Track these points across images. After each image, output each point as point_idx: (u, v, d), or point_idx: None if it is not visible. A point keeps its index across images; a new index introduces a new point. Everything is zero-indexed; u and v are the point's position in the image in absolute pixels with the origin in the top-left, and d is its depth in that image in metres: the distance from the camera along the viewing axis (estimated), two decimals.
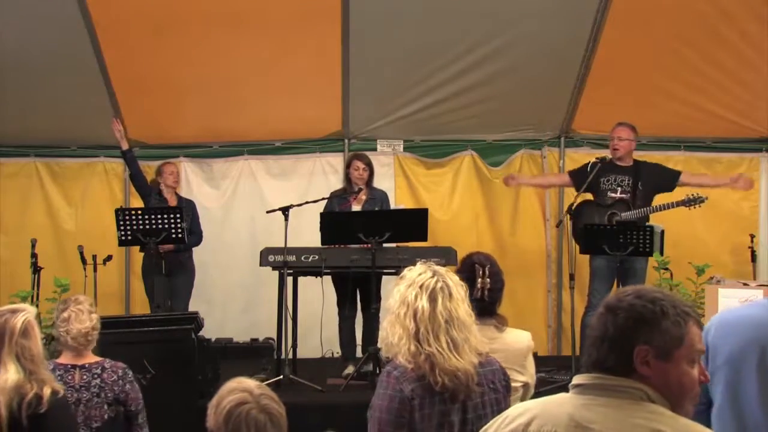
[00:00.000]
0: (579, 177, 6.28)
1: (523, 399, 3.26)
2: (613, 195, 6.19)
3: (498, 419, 1.86)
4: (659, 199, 6.34)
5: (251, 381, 2.21)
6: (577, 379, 1.79)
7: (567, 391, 1.82)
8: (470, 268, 3.12)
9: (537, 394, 5.24)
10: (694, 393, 1.76)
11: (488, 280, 3.08)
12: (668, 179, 6.28)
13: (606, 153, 6.36)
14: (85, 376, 3.51)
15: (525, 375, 3.20)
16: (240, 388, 2.15)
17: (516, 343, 3.18)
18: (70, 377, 3.50)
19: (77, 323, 3.52)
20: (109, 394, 3.52)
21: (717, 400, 2.41)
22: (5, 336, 2.78)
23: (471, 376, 2.49)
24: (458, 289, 2.59)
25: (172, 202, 6.59)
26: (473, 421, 2.52)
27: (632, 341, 1.71)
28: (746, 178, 6.35)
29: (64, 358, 3.58)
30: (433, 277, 2.57)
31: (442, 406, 2.50)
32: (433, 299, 2.52)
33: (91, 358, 3.58)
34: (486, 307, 3.10)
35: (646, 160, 6.47)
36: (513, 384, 3.09)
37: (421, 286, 2.54)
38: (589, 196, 6.29)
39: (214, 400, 2.17)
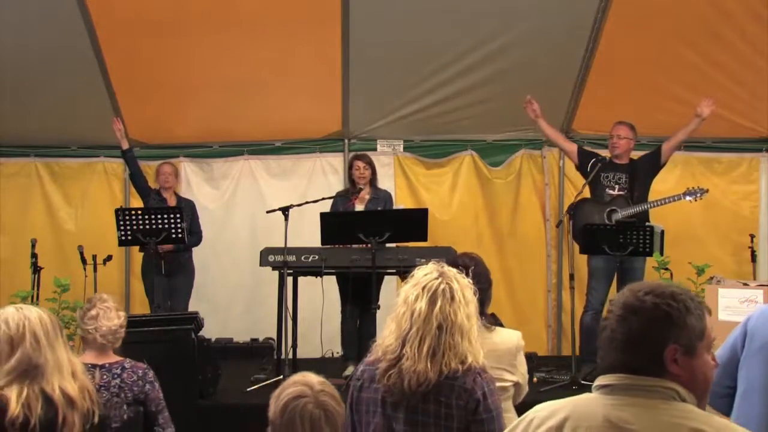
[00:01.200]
0: (585, 156, 6.34)
1: (515, 398, 3.27)
2: (611, 192, 6.21)
3: (521, 422, 1.83)
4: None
5: (315, 376, 2.27)
6: (603, 380, 1.77)
7: (572, 390, 1.81)
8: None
9: (537, 394, 5.26)
10: (711, 382, 1.77)
11: (473, 281, 3.07)
12: (654, 157, 6.33)
13: (606, 153, 6.37)
14: (105, 376, 3.49)
15: (515, 374, 3.21)
16: (302, 382, 2.22)
17: (504, 343, 3.19)
18: (90, 377, 3.50)
19: (106, 320, 3.53)
20: (128, 395, 3.51)
21: (745, 383, 2.42)
22: (57, 329, 2.74)
23: (426, 383, 2.47)
24: (464, 292, 2.56)
25: (171, 202, 6.58)
26: (413, 423, 2.51)
27: (662, 342, 1.70)
28: (707, 102, 6.18)
29: (87, 357, 3.57)
30: (437, 278, 2.56)
31: (378, 395, 2.55)
32: (432, 302, 2.51)
33: (112, 358, 3.58)
34: None
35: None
36: (503, 384, 3.11)
37: (423, 288, 2.54)
38: (586, 193, 6.31)
39: (276, 391, 2.23)
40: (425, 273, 2.59)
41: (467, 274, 3.05)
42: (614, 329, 1.75)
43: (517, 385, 3.22)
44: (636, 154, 6.45)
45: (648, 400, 1.69)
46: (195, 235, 6.62)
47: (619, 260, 5.81)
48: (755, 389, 2.39)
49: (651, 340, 1.71)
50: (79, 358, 3.55)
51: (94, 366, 3.51)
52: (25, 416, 2.52)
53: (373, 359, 2.59)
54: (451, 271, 2.61)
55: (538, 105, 6.41)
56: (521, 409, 3.28)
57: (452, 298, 2.53)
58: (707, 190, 6.20)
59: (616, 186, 6.21)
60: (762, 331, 2.41)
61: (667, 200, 6.21)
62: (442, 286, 2.54)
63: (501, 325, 3.41)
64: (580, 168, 6.42)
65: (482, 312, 3.16)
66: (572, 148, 6.54)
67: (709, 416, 1.69)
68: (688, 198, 6.16)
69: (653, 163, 6.33)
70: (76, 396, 2.64)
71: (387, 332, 2.58)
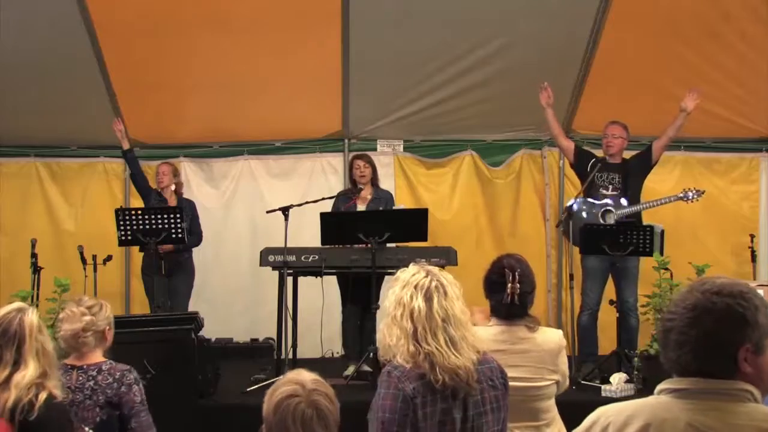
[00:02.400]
0: (583, 156, 6.34)
1: (555, 394, 3.26)
2: (605, 192, 6.21)
3: (592, 428, 1.80)
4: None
5: (309, 374, 2.26)
6: (675, 384, 1.74)
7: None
8: (500, 272, 3.11)
9: None
10: None
11: (518, 285, 3.06)
12: (645, 156, 6.31)
13: (600, 153, 6.37)
14: (80, 378, 3.47)
15: (557, 374, 3.19)
16: (294, 380, 2.21)
17: (547, 342, 3.17)
18: (68, 378, 3.48)
19: (67, 324, 3.50)
20: (101, 397, 3.48)
21: None
22: (25, 333, 2.75)
23: (471, 373, 2.49)
24: (453, 287, 2.58)
25: (172, 202, 6.58)
26: (474, 417, 2.53)
27: (736, 343, 1.69)
28: (691, 96, 6.16)
29: (70, 359, 3.57)
30: (426, 276, 2.57)
31: (444, 404, 2.50)
32: (428, 298, 2.52)
33: (91, 360, 3.55)
34: (516, 310, 3.11)
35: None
36: (543, 383, 3.11)
37: (415, 286, 2.55)
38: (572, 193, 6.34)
39: (271, 388, 2.23)
40: (413, 273, 2.59)
41: (513, 277, 3.06)
42: (685, 331, 1.71)
43: (557, 383, 3.22)
44: (627, 154, 6.45)
45: (727, 404, 1.68)
46: (195, 236, 6.61)
47: (612, 260, 5.84)
48: None
49: (727, 341, 1.69)
50: (67, 360, 3.55)
51: (72, 367, 3.50)
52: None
53: (409, 370, 2.50)
54: (435, 269, 2.62)
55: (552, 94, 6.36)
56: None
57: (446, 293, 2.55)
58: (703, 192, 6.19)
59: (610, 186, 6.21)
60: None
61: (663, 201, 6.21)
62: (434, 283, 2.55)
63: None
64: (576, 166, 6.41)
65: (524, 314, 3.16)
66: (570, 145, 6.52)
67: None
68: (686, 197, 6.16)
69: (645, 162, 6.32)
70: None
71: (395, 339, 2.54)
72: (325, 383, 2.26)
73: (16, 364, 2.74)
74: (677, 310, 1.75)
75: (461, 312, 2.55)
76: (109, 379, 3.50)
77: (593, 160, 6.21)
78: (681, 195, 6.15)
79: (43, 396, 2.74)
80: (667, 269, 6.14)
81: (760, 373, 1.71)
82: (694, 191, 6.15)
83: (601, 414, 1.82)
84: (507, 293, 3.05)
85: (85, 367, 3.52)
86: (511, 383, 2.69)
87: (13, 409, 2.67)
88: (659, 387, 1.78)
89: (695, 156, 7.42)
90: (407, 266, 2.66)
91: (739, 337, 1.69)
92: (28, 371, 2.73)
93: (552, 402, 3.18)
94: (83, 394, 3.45)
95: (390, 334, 2.56)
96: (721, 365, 1.70)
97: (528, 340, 3.11)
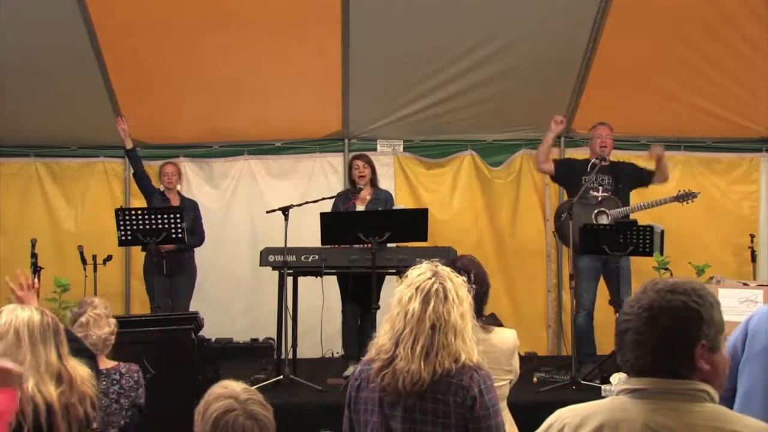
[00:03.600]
0: (561, 165, 6.41)
1: (507, 394, 3.28)
2: (595, 194, 6.21)
3: (551, 427, 1.80)
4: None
5: (237, 385, 2.20)
6: (634, 384, 1.74)
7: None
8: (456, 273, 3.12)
9: (537, 395, 5.26)
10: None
11: (474, 285, 3.05)
12: (645, 176, 6.37)
13: (585, 154, 6.40)
14: (104, 383, 3.46)
15: (510, 373, 3.25)
16: (226, 394, 2.15)
17: (502, 343, 3.22)
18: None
19: (96, 329, 3.49)
20: (126, 401, 3.50)
21: (746, 386, 2.41)
22: (59, 330, 2.72)
23: (421, 382, 2.47)
24: (457, 291, 2.57)
25: (175, 202, 6.58)
26: (411, 420, 2.51)
27: (693, 339, 1.69)
28: (656, 147, 6.27)
29: None
30: (431, 278, 2.56)
31: (375, 395, 2.55)
32: (426, 302, 2.52)
33: (107, 363, 3.54)
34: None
35: (644, 160, 6.50)
36: (499, 383, 3.10)
37: (417, 288, 2.55)
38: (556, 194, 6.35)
39: (200, 407, 2.15)
40: (419, 273, 2.59)
41: (468, 279, 3.06)
42: (642, 331, 1.71)
43: (510, 381, 3.25)
44: (640, 155, 6.45)
45: (684, 404, 1.68)
46: (197, 236, 6.61)
47: (605, 261, 5.84)
48: (757, 392, 2.38)
49: (684, 338, 1.69)
50: None
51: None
52: (18, 423, 2.49)
53: (369, 359, 2.61)
54: (445, 270, 2.61)
55: (560, 122, 6.40)
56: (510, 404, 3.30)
57: (445, 297, 2.54)
58: (698, 194, 6.19)
59: (600, 188, 6.22)
60: (764, 333, 2.40)
61: (658, 203, 6.22)
62: (435, 286, 2.54)
63: (500, 325, 3.41)
64: (557, 176, 6.45)
65: (480, 314, 3.17)
66: (551, 167, 6.47)
67: (742, 417, 1.70)
68: (679, 201, 6.17)
69: (639, 179, 6.37)
70: (54, 400, 2.57)
71: (381, 332, 2.59)
72: (254, 390, 2.22)
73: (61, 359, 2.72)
74: (633, 311, 1.74)
75: (459, 317, 2.53)
76: (131, 381, 3.52)
77: (592, 161, 6.18)
78: (675, 196, 6.17)
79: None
80: (667, 269, 6.14)
81: (715, 371, 1.71)
82: (689, 193, 6.16)
83: (558, 416, 1.81)
84: None
85: (105, 371, 3.50)
86: None
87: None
88: (618, 388, 1.78)
89: (695, 156, 7.42)
90: (412, 266, 2.67)
91: (696, 333, 1.69)
92: (81, 367, 2.74)
93: (504, 403, 3.18)
94: (109, 398, 3.44)
95: (382, 327, 2.61)
96: (679, 363, 1.69)
97: (484, 341, 3.09)
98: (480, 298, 3.14)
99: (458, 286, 2.58)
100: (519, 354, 3.44)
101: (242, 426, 2.09)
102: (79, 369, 2.72)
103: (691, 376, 1.69)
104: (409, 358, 2.47)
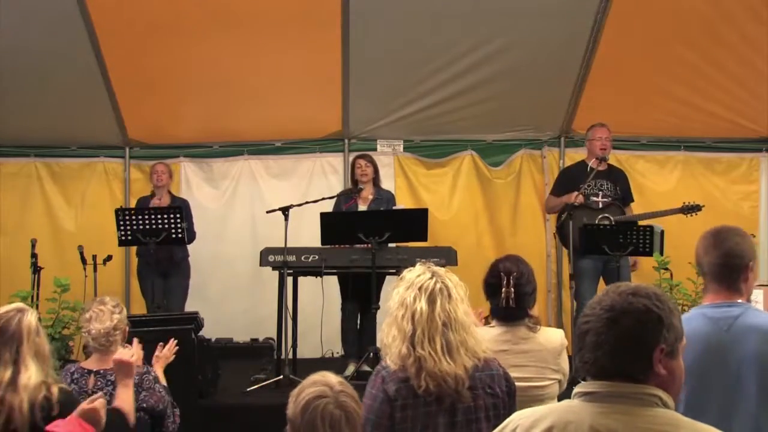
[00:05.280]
0: (560, 186, 6.41)
1: (557, 394, 3.27)
2: (595, 198, 6.21)
3: (505, 428, 1.81)
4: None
5: (335, 376, 2.27)
6: (586, 387, 1.74)
7: (572, 390, 1.79)
8: (497, 276, 3.11)
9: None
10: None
11: (512, 289, 3.06)
12: (626, 196, 6.42)
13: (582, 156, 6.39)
14: (99, 382, 3.44)
15: (558, 373, 3.20)
16: (322, 382, 2.22)
17: (549, 342, 3.17)
18: (84, 382, 3.46)
19: (97, 323, 3.48)
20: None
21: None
22: (23, 334, 2.74)
23: (461, 380, 2.48)
24: (458, 289, 2.58)
25: (165, 201, 6.59)
26: (463, 424, 2.51)
27: (652, 342, 1.69)
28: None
29: (89, 362, 3.54)
30: (432, 278, 2.57)
31: (426, 408, 2.50)
32: (432, 301, 2.52)
33: (108, 363, 3.51)
34: (514, 312, 3.10)
35: (644, 160, 6.50)
36: (545, 383, 3.11)
37: (420, 288, 2.55)
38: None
39: (296, 390, 2.24)
40: (418, 274, 2.59)
41: (508, 282, 3.05)
42: (602, 332, 1.71)
43: (559, 382, 3.23)
44: (641, 155, 6.45)
45: (634, 408, 1.67)
46: (190, 233, 6.61)
47: (605, 261, 5.83)
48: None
49: (643, 341, 1.69)
50: (82, 363, 3.53)
51: (89, 372, 3.48)
52: None
53: (395, 373, 2.52)
54: (441, 270, 2.61)
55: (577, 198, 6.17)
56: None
57: (449, 295, 2.54)
58: (702, 206, 6.19)
59: (599, 192, 6.23)
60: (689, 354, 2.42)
61: (663, 213, 6.22)
62: (438, 285, 2.54)
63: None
64: (558, 189, 6.46)
65: (524, 315, 3.15)
66: (555, 201, 6.48)
67: (694, 423, 1.69)
68: (684, 213, 6.18)
69: (626, 196, 6.42)
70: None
71: (390, 339, 2.55)
72: (350, 385, 2.27)
73: (16, 365, 2.73)
74: (594, 312, 1.74)
75: (464, 314, 2.55)
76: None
77: (590, 165, 6.19)
78: (680, 208, 6.18)
79: (55, 390, 2.75)
80: (667, 269, 6.15)
81: (672, 377, 1.71)
82: (694, 206, 6.16)
83: (513, 418, 1.83)
84: (501, 297, 3.06)
85: (102, 371, 3.48)
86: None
87: (31, 410, 2.67)
88: (573, 391, 1.78)
89: (695, 156, 7.41)
90: (412, 266, 2.66)
91: (655, 337, 1.69)
92: (32, 373, 2.72)
93: (555, 402, 3.18)
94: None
95: (388, 333, 2.57)
96: (637, 366, 1.69)
97: (529, 340, 3.11)
98: (523, 299, 3.12)
99: (457, 285, 2.59)
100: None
101: (331, 414, 2.15)
102: (22, 371, 2.75)
103: (647, 380, 1.69)
104: (435, 358, 2.47)
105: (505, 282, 3.07)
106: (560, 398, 3.24)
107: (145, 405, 3.49)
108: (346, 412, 2.17)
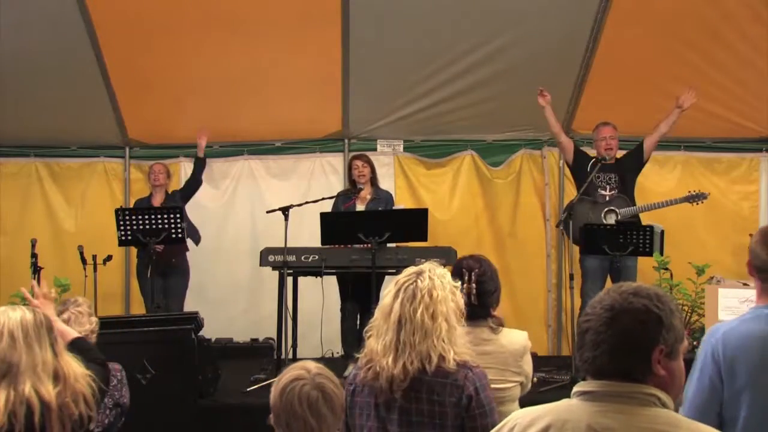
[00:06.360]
0: (581, 156, 6.39)
1: (519, 397, 3.26)
2: (603, 192, 6.22)
3: (501, 429, 1.82)
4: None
5: (314, 363, 2.30)
6: (584, 386, 1.75)
7: (569, 392, 1.79)
8: (459, 273, 3.11)
9: (537, 394, 5.24)
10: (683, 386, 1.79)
11: (474, 285, 3.06)
12: (638, 154, 6.37)
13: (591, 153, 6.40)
14: None
15: (520, 375, 3.18)
16: (299, 366, 2.28)
17: (511, 344, 3.15)
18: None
19: (77, 326, 3.48)
20: (110, 400, 3.49)
21: (743, 420, 2.36)
22: (52, 328, 2.69)
23: (397, 380, 2.49)
24: (432, 291, 2.54)
25: (159, 201, 6.61)
26: (403, 423, 2.53)
27: (651, 343, 1.69)
28: (688, 95, 6.20)
29: None
30: (410, 276, 2.59)
31: (368, 399, 2.58)
32: (395, 298, 2.55)
33: None
34: (477, 311, 3.08)
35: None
36: (507, 385, 3.09)
37: (399, 287, 2.58)
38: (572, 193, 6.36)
39: (277, 378, 2.29)
40: (407, 272, 2.62)
41: (469, 278, 3.05)
42: (601, 331, 1.71)
43: (521, 384, 3.22)
44: (619, 153, 6.46)
45: (632, 407, 1.68)
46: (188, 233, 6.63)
47: (611, 260, 5.84)
48: (755, 428, 2.33)
49: (642, 341, 1.70)
50: None
51: None
52: (9, 423, 2.47)
53: (362, 362, 2.63)
54: (432, 272, 2.60)
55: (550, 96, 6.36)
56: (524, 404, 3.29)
57: (413, 296, 2.53)
58: (708, 195, 6.20)
59: (608, 186, 6.23)
60: (743, 364, 2.36)
61: (667, 203, 6.22)
62: (409, 285, 2.55)
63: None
64: (573, 166, 6.44)
65: (487, 314, 3.15)
66: (570, 144, 6.54)
67: (693, 423, 1.69)
68: (689, 201, 6.18)
69: (638, 160, 6.38)
70: (52, 399, 2.53)
71: (367, 333, 2.66)
72: (329, 371, 2.29)
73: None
74: (594, 311, 1.74)
75: (429, 317, 2.51)
76: (114, 381, 3.50)
77: (593, 160, 6.23)
78: (685, 197, 6.18)
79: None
80: (667, 269, 6.15)
81: (672, 378, 1.72)
82: (699, 194, 6.16)
83: (511, 417, 1.83)
84: (463, 293, 3.02)
85: None
86: None
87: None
88: (573, 390, 1.78)
89: (695, 156, 7.42)
90: (413, 265, 2.69)
91: (655, 337, 1.69)
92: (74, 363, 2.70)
93: (516, 405, 3.15)
94: None
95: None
96: (636, 366, 1.69)
97: (491, 341, 3.09)
98: (486, 297, 3.11)
99: (436, 287, 2.56)
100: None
101: (308, 395, 2.18)
102: (74, 366, 2.69)
103: (645, 380, 1.69)
104: (380, 354, 2.52)
105: (466, 278, 3.07)
106: (521, 402, 3.24)
107: (125, 401, 3.52)
108: (323, 392, 2.19)
